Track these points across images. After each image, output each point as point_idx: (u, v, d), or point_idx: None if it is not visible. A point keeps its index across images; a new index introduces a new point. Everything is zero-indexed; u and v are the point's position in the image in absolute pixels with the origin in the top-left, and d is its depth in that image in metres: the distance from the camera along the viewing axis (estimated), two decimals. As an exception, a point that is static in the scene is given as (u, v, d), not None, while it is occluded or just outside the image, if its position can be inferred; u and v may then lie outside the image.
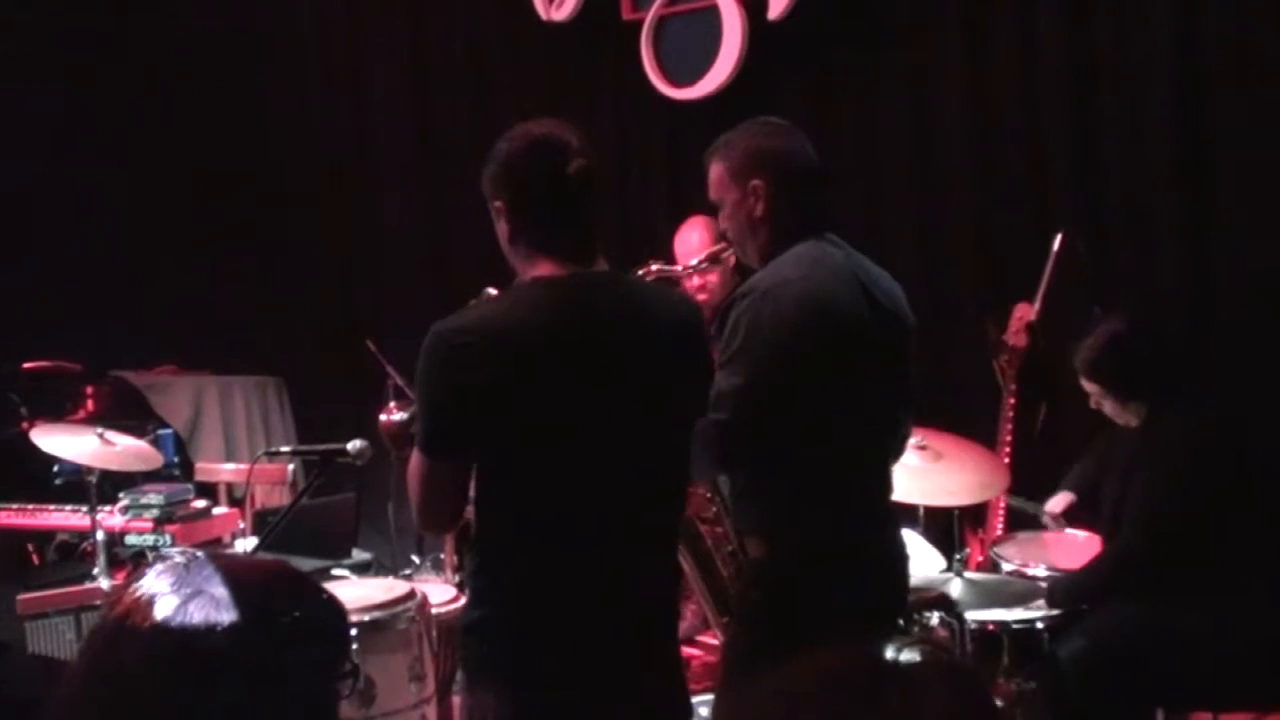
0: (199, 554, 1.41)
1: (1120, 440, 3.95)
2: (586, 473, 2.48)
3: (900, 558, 3.11)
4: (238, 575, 1.38)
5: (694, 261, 3.61)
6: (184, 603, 1.33)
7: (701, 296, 4.06)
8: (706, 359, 2.77)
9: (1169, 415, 3.75)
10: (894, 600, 3.11)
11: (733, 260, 3.51)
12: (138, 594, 1.35)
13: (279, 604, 1.39)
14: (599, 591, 2.52)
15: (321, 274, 7.70)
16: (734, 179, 2.98)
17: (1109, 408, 3.85)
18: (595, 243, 2.59)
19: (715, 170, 3.03)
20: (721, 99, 5.79)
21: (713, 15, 5.82)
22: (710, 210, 3.22)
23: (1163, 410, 3.76)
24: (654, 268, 3.28)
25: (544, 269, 2.54)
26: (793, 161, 3.00)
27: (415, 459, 2.52)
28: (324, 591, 1.47)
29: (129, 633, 1.32)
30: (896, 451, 3.20)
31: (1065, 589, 3.80)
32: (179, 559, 1.39)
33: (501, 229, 2.61)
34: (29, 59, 7.79)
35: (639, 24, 6.10)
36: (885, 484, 3.11)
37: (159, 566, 1.38)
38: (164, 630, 1.32)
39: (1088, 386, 3.85)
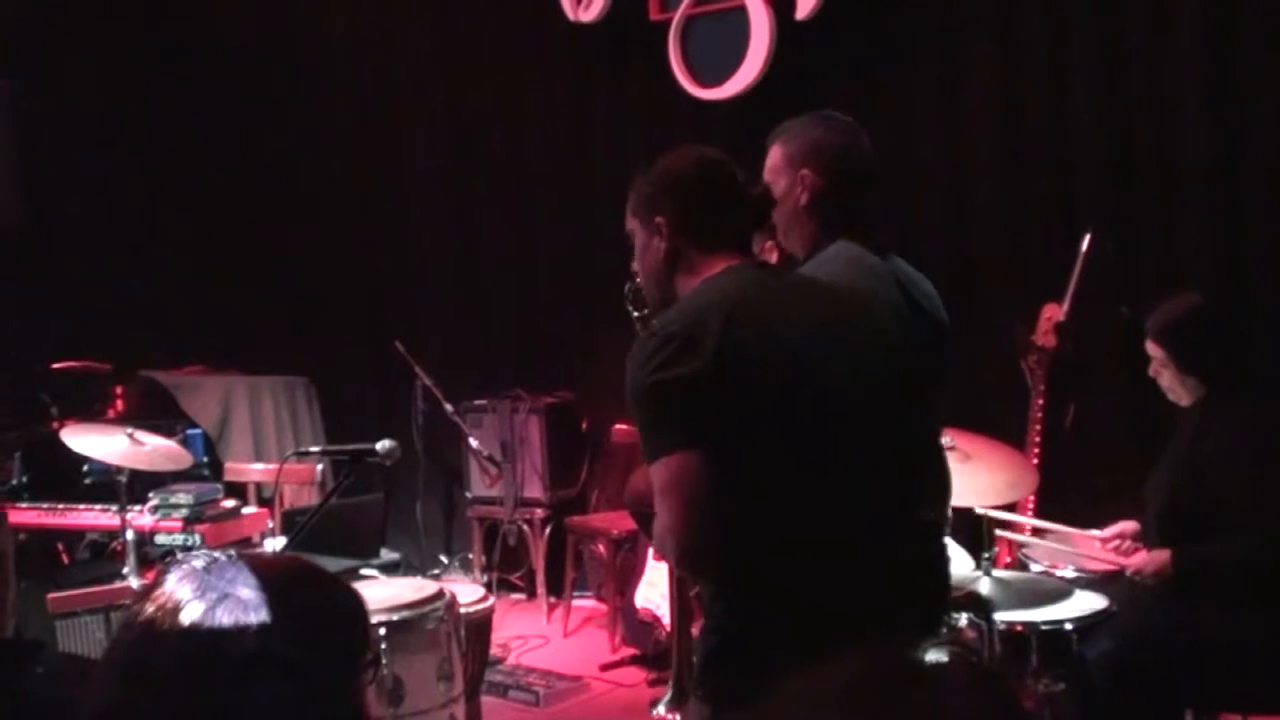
0: (217, 556, 1.40)
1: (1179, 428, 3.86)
2: (836, 468, 2.35)
3: (941, 559, 3.09)
4: (259, 574, 1.37)
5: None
6: (211, 608, 1.32)
7: None
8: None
9: (1229, 406, 3.67)
10: (932, 602, 3.08)
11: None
12: (161, 599, 1.34)
13: (301, 599, 1.39)
14: (854, 598, 2.34)
15: (350, 274, 7.72)
16: (788, 164, 2.98)
17: (1166, 378, 3.78)
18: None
19: (774, 153, 3.03)
20: (749, 100, 5.79)
21: (740, 16, 5.82)
22: None
23: (1221, 397, 3.70)
24: None
25: (725, 261, 2.51)
26: (846, 160, 2.99)
27: (662, 473, 2.26)
28: (338, 580, 1.48)
29: (157, 638, 1.32)
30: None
31: (1199, 560, 3.67)
32: (196, 563, 1.39)
33: (656, 247, 2.56)
34: (59, 65, 7.84)
35: (666, 24, 6.10)
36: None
37: (177, 572, 1.37)
38: (194, 634, 1.31)
39: (1153, 350, 3.79)
